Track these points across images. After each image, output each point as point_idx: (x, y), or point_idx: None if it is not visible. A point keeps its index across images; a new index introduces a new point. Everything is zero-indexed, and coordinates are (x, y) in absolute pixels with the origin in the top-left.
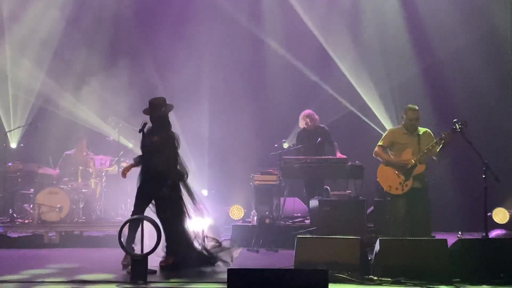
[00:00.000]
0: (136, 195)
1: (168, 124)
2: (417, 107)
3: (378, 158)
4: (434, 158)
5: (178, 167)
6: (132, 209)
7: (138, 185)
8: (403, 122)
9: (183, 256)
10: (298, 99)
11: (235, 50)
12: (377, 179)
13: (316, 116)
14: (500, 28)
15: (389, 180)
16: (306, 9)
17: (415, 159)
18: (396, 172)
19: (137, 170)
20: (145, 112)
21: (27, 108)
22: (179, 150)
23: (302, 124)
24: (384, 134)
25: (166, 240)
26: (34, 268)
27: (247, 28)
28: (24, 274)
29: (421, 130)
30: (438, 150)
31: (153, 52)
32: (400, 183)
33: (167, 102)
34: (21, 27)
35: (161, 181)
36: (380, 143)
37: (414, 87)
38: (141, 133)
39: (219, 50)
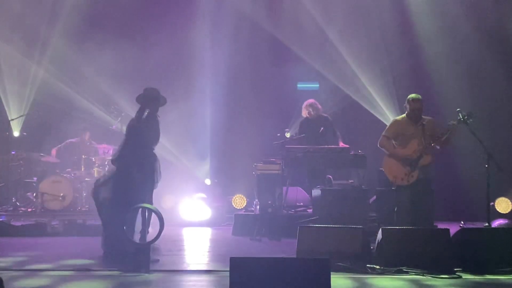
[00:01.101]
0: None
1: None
2: (420, 97)
3: (383, 149)
4: (438, 147)
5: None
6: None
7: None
8: (406, 112)
9: None
10: (301, 88)
11: (238, 39)
12: (383, 169)
13: (319, 105)
14: (506, 18)
15: (394, 170)
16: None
17: (420, 151)
18: (402, 162)
19: None
20: (138, 98)
21: (30, 96)
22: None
23: (304, 113)
24: (388, 125)
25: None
26: (37, 256)
27: (250, 17)
28: (28, 263)
29: (425, 119)
30: (443, 139)
31: (155, 41)
32: (406, 173)
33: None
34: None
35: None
36: (384, 133)
37: (417, 77)
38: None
39: (221, 40)
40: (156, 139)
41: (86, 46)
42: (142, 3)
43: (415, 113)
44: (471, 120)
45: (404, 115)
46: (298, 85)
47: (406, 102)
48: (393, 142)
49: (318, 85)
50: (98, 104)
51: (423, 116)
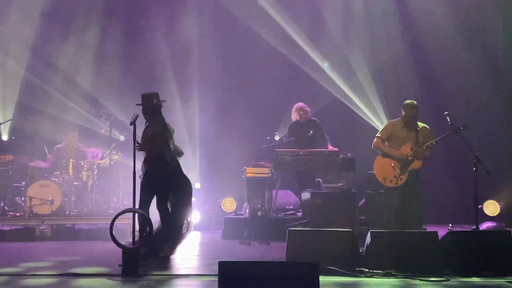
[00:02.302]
0: (141, 189)
1: (160, 115)
2: (416, 103)
3: (377, 150)
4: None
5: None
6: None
7: (142, 179)
8: (401, 117)
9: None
10: (289, 92)
11: (225, 43)
12: (373, 170)
13: (308, 109)
14: (491, 23)
15: (385, 171)
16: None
17: (412, 155)
18: (393, 164)
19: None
20: (138, 104)
21: (17, 100)
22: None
23: (295, 116)
24: (383, 126)
25: (165, 231)
26: (25, 261)
27: (239, 20)
28: (16, 267)
29: (420, 125)
30: (432, 143)
31: (143, 45)
32: (395, 176)
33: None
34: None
35: (160, 173)
36: (379, 134)
37: (404, 82)
38: (133, 126)
39: (209, 43)
40: None
41: (74, 47)
42: (132, 5)
43: (410, 120)
44: (465, 131)
45: (399, 118)
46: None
47: (402, 108)
48: (387, 144)
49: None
50: (87, 108)
51: (418, 123)
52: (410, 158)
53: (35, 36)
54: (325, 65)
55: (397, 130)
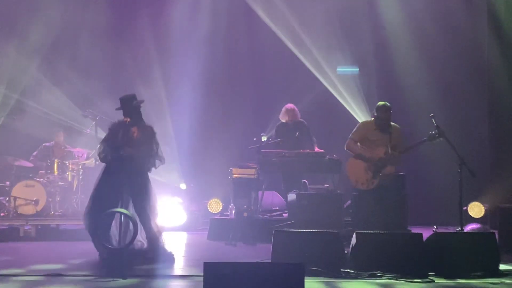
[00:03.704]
0: (107, 189)
1: (141, 116)
2: (389, 105)
3: (350, 151)
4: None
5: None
6: (101, 203)
7: (108, 179)
8: (374, 118)
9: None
10: (276, 93)
11: (212, 44)
12: (346, 171)
13: (297, 110)
14: (475, 27)
15: (357, 174)
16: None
17: (384, 160)
18: (366, 168)
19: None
20: (118, 109)
21: (3, 100)
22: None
23: (284, 118)
24: (355, 128)
25: (147, 233)
26: (9, 261)
27: (224, 22)
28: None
29: (392, 126)
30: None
31: (132, 45)
32: (367, 179)
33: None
34: None
35: (140, 173)
36: (351, 136)
37: (389, 83)
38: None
39: (195, 45)
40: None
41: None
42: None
43: (383, 122)
44: (440, 139)
45: (372, 119)
46: (338, 70)
47: (375, 109)
48: (359, 145)
49: (358, 70)
50: (73, 107)
51: (391, 123)
52: (382, 162)
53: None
54: (338, 70)
55: (369, 132)
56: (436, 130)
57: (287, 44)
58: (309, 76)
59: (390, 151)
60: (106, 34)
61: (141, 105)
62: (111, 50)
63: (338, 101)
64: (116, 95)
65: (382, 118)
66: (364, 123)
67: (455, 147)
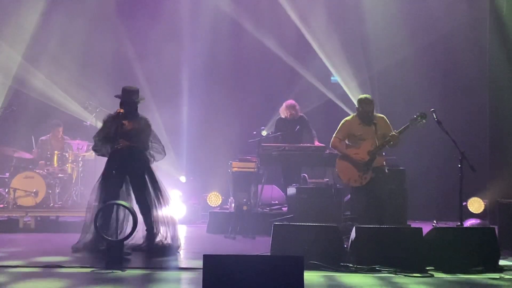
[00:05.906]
0: (108, 181)
1: (136, 110)
2: (371, 97)
3: (336, 150)
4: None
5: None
6: (103, 196)
7: (109, 172)
8: (357, 112)
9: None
10: (277, 87)
11: (214, 37)
12: (337, 172)
13: (298, 107)
14: (478, 22)
15: (348, 173)
16: None
17: (373, 152)
18: (354, 165)
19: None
20: (118, 96)
21: (3, 91)
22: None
23: (285, 113)
24: (339, 126)
25: (147, 225)
26: (9, 253)
27: (227, 15)
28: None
29: (376, 117)
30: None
31: (131, 38)
32: (359, 176)
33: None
34: None
35: (142, 165)
36: (336, 134)
37: (392, 76)
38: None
39: (197, 37)
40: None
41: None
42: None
43: (367, 115)
44: (423, 121)
45: (354, 114)
46: (332, 78)
47: (357, 103)
48: (346, 143)
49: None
50: (73, 99)
51: (374, 114)
52: (370, 156)
53: (23, 25)
54: (332, 78)
55: (353, 128)
56: (418, 113)
57: (292, 37)
58: (310, 72)
59: (377, 142)
60: (107, 24)
61: (141, 102)
62: (112, 42)
63: (340, 94)
64: (117, 87)
65: (365, 111)
66: (347, 120)
67: (456, 141)
